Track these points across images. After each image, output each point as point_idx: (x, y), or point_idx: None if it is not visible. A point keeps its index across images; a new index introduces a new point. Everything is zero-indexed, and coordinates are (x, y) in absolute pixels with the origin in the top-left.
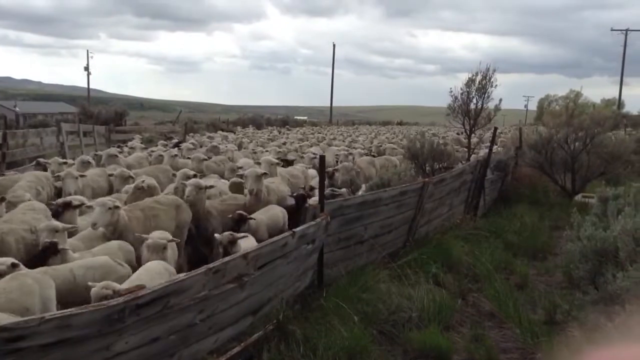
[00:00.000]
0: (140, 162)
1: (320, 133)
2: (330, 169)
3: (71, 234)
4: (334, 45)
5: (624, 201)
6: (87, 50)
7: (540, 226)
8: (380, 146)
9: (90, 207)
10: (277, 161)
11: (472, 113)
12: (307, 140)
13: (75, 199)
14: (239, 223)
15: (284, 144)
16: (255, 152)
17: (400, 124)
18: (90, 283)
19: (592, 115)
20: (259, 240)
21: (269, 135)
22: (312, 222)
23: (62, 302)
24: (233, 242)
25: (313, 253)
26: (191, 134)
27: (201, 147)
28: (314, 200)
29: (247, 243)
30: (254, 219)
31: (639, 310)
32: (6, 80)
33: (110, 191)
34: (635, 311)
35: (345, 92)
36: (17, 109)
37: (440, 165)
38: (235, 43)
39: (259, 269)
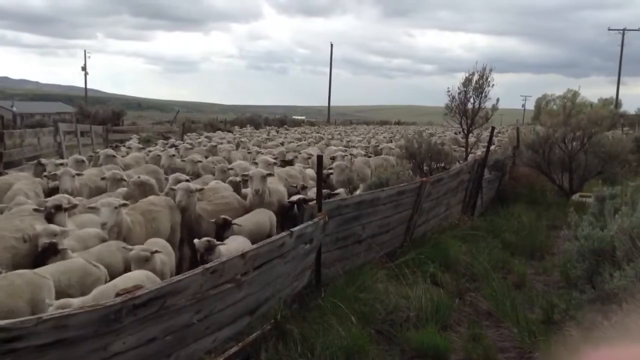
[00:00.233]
0: (137, 162)
1: (318, 133)
2: (325, 172)
3: None
4: (331, 45)
5: (621, 200)
6: (85, 50)
7: (538, 225)
8: (378, 146)
9: (93, 207)
10: (274, 161)
11: (469, 113)
12: (305, 140)
13: (65, 199)
14: (223, 227)
15: (282, 143)
16: (250, 152)
17: (398, 123)
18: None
19: (590, 115)
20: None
21: (267, 135)
22: (310, 222)
23: None
24: (209, 249)
25: (311, 253)
26: (188, 133)
27: (200, 144)
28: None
29: (234, 243)
30: (239, 225)
31: (636, 309)
32: (3, 80)
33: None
34: (632, 310)
35: (343, 91)
36: (14, 108)
37: (438, 164)
38: (233, 43)
39: (256, 268)
